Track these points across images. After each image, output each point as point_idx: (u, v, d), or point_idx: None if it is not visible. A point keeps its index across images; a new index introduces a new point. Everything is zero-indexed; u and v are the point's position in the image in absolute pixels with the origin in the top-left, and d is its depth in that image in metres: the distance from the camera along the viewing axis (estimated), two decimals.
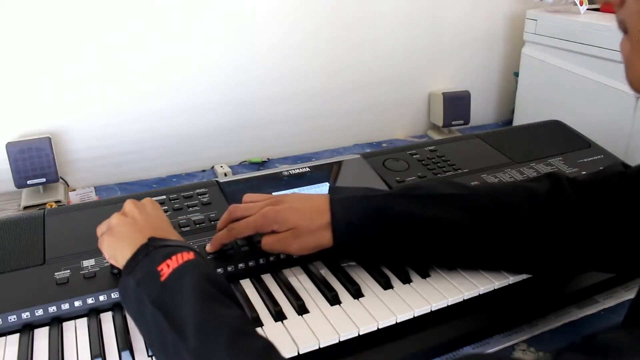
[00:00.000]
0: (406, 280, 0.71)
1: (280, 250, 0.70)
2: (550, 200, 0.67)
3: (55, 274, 0.68)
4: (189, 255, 0.56)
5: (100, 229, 0.68)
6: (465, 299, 0.69)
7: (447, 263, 0.73)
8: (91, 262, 0.70)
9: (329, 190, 0.71)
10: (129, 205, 0.67)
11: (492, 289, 0.71)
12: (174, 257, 0.55)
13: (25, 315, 0.63)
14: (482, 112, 1.69)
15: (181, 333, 0.49)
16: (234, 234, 0.70)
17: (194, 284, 0.53)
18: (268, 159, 1.40)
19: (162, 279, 0.54)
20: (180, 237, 0.66)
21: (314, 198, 0.71)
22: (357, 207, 0.67)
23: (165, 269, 0.54)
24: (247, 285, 0.71)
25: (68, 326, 0.64)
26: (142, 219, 0.64)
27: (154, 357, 0.59)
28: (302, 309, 0.66)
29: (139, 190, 1.21)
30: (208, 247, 0.73)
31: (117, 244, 0.63)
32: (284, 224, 0.68)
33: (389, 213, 0.67)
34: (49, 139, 1.13)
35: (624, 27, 0.49)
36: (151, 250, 0.57)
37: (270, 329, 0.63)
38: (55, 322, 0.64)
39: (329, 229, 0.67)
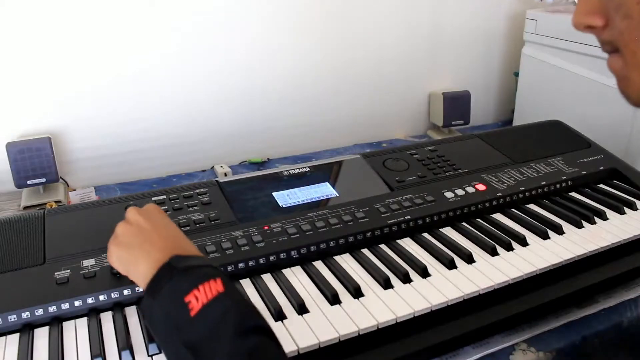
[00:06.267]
0: (406, 280, 0.71)
1: None
2: None
3: (55, 273, 0.68)
4: (217, 286, 0.53)
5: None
6: (465, 299, 0.69)
7: None
8: (91, 261, 0.70)
9: None
10: (132, 213, 0.64)
11: (492, 288, 0.71)
12: (201, 288, 0.52)
13: (25, 315, 0.63)
14: (482, 112, 1.69)
15: None
16: None
17: (228, 329, 0.50)
18: (268, 159, 1.40)
19: (192, 313, 0.51)
20: (192, 244, 0.63)
21: None
22: None
23: (194, 301, 0.52)
24: (247, 285, 0.71)
25: (68, 326, 0.64)
26: (149, 227, 0.61)
27: None
28: (302, 309, 0.66)
29: (139, 190, 1.21)
30: None
31: (127, 256, 0.60)
32: None
33: None
34: (49, 139, 1.13)
35: (610, 48, 0.48)
36: (175, 274, 0.54)
37: None
38: (55, 322, 0.64)
39: None
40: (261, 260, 0.74)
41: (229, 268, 0.72)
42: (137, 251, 0.59)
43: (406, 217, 0.83)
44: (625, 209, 0.91)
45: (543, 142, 1.09)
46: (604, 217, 0.88)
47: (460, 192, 0.91)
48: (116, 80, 1.22)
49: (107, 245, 0.64)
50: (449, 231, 0.85)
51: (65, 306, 0.64)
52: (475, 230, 0.84)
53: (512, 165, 1.00)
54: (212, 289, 0.53)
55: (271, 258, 0.74)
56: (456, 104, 1.52)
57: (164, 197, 0.85)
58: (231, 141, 1.38)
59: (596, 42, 0.49)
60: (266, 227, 0.78)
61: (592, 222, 0.87)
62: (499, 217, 0.89)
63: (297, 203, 0.86)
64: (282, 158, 1.41)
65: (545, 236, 0.82)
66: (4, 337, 0.62)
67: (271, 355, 0.50)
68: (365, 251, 0.79)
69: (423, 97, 1.60)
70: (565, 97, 1.38)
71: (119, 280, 0.67)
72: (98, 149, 1.25)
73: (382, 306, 0.67)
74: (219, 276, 0.54)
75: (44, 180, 1.12)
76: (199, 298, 0.52)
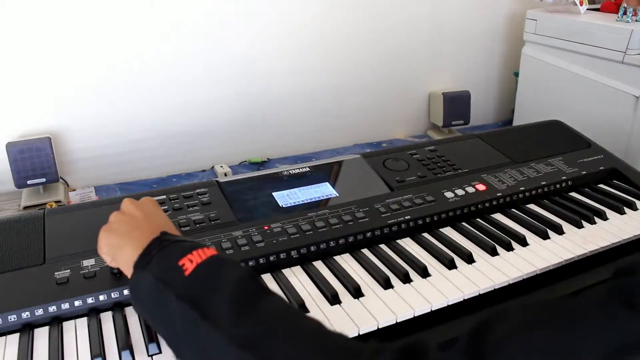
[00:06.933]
0: (406, 280, 0.71)
1: None
2: None
3: (55, 273, 0.68)
4: (211, 251, 0.53)
5: None
6: (465, 299, 0.69)
7: None
8: (91, 261, 0.70)
9: None
10: (126, 203, 0.65)
11: (492, 288, 0.71)
12: (195, 253, 0.52)
13: (25, 315, 0.63)
14: (482, 112, 1.69)
15: (217, 323, 0.46)
16: None
17: (227, 279, 0.49)
18: (268, 159, 1.40)
19: (186, 273, 0.50)
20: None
21: None
22: None
23: (188, 263, 0.51)
24: None
25: (68, 326, 0.64)
26: (141, 217, 0.62)
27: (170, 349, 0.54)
28: (302, 309, 0.66)
29: (139, 190, 1.21)
30: None
31: (116, 242, 0.60)
32: None
33: None
34: (49, 139, 1.13)
35: None
36: (166, 245, 0.54)
37: None
38: (55, 322, 0.64)
39: None
40: (261, 260, 0.74)
41: None
42: (125, 238, 0.59)
43: (406, 217, 0.83)
44: (625, 209, 0.91)
45: (543, 142, 1.09)
46: (604, 217, 0.88)
47: (460, 192, 0.91)
48: (116, 80, 1.22)
49: None
50: (449, 231, 0.85)
51: (65, 306, 0.64)
52: (475, 230, 0.84)
53: (512, 165, 1.00)
54: (205, 252, 0.52)
55: (271, 258, 0.74)
56: (456, 104, 1.53)
57: (164, 197, 0.85)
58: (231, 141, 1.38)
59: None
60: (266, 227, 0.78)
61: (592, 222, 0.87)
62: (499, 217, 0.89)
63: (297, 203, 0.86)
64: (282, 158, 1.41)
65: (545, 236, 0.82)
66: (4, 337, 0.62)
67: (282, 303, 0.48)
68: (365, 251, 0.79)
69: (423, 97, 1.60)
70: (565, 97, 1.38)
71: (119, 280, 0.67)
72: (98, 149, 1.25)
73: (382, 306, 0.66)
74: (212, 247, 0.54)
75: (44, 180, 1.12)
76: (192, 260, 0.51)
